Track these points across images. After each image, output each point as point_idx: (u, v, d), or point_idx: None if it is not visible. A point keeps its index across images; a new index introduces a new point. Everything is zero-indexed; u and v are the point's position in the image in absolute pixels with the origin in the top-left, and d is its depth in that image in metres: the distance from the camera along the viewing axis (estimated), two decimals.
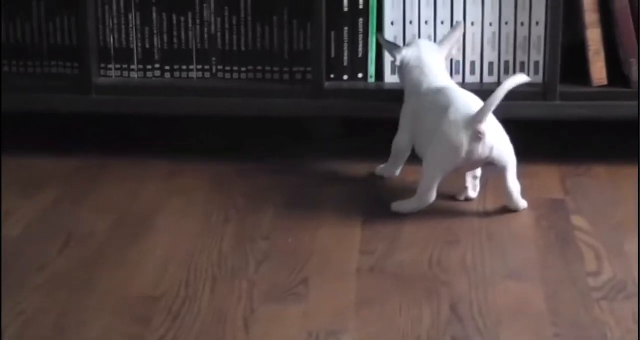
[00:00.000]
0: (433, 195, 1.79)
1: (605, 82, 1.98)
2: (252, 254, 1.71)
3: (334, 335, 1.47)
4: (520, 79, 1.77)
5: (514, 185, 1.80)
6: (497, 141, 1.77)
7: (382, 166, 1.96)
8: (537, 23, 2.00)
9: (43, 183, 1.97)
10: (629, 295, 1.56)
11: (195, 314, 1.53)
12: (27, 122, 2.22)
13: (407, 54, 1.91)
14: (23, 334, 1.48)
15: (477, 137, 1.74)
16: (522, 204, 1.82)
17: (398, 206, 1.82)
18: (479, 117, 1.75)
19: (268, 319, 1.52)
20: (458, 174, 1.83)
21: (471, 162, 1.78)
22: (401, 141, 1.90)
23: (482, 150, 1.75)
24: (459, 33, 1.93)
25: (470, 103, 1.78)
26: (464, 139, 1.75)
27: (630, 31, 1.95)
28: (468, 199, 1.86)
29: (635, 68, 1.96)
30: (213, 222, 1.81)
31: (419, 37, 2.02)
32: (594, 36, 1.98)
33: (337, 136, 2.16)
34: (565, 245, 1.72)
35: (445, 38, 1.93)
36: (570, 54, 2.01)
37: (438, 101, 1.81)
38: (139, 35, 2.06)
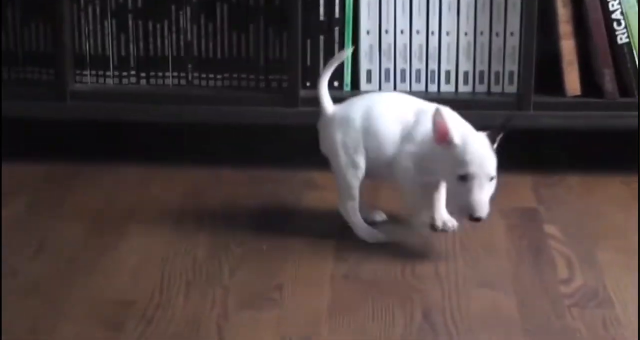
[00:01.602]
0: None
1: (578, 92, 2.00)
2: (226, 260, 1.71)
3: None
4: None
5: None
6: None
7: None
8: (512, 33, 2.01)
9: (16, 189, 1.96)
10: (599, 302, 1.57)
11: (168, 319, 1.53)
12: (1, 128, 2.21)
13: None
14: None
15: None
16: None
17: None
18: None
19: (242, 324, 1.52)
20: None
21: None
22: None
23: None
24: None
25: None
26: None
27: (603, 42, 1.97)
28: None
29: (608, 79, 1.98)
30: (187, 228, 1.82)
31: (394, 46, 2.03)
32: (568, 47, 1.99)
33: (311, 144, 2.17)
34: (537, 253, 1.73)
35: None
36: (544, 65, 2.02)
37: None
38: (115, 42, 2.06)
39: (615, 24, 1.96)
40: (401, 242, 1.76)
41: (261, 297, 1.59)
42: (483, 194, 1.63)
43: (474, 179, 1.63)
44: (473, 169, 1.63)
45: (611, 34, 1.97)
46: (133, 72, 2.07)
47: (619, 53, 1.97)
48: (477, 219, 1.63)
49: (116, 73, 2.07)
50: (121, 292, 1.60)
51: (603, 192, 1.96)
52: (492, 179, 1.65)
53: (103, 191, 1.96)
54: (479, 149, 1.64)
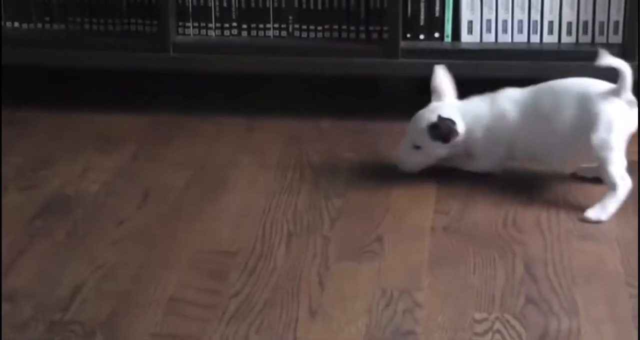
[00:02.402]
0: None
1: None
2: (326, 211, 1.72)
3: (407, 292, 1.48)
4: None
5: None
6: None
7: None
8: None
9: (121, 139, 2.00)
10: None
11: (270, 270, 1.55)
12: (106, 79, 2.25)
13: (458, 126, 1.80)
14: (101, 286, 1.51)
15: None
16: None
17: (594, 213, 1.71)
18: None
19: (342, 275, 1.53)
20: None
21: None
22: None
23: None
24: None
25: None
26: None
27: None
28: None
29: None
30: (288, 179, 1.83)
31: None
32: None
33: (409, 96, 2.16)
34: None
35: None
36: None
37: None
38: None
39: None
40: (501, 195, 1.75)
41: (361, 248, 1.60)
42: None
43: None
44: None
45: None
46: (235, 24, 2.08)
47: None
48: None
49: (218, 25, 2.08)
50: (224, 242, 1.63)
51: None
52: None
53: (206, 141, 1.99)
54: None
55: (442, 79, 1.83)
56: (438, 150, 1.79)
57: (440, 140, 1.78)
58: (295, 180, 1.83)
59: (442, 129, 1.77)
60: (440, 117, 1.76)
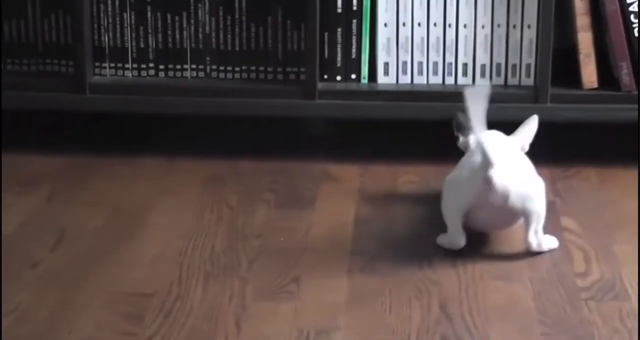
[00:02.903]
0: (461, 239, 1.70)
1: (595, 84, 2.00)
2: (244, 252, 1.72)
3: (324, 332, 1.49)
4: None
5: (532, 239, 1.70)
6: (519, 192, 1.67)
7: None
8: (529, 26, 2.02)
9: (37, 180, 1.98)
10: (616, 295, 1.58)
11: (187, 312, 1.54)
12: (22, 119, 2.23)
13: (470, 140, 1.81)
14: (15, 330, 1.49)
15: (487, 182, 1.64)
16: (549, 245, 1.73)
17: (440, 239, 1.74)
18: (485, 162, 1.65)
19: (259, 316, 1.53)
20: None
21: (485, 208, 1.68)
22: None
23: (495, 198, 1.65)
24: (532, 126, 1.84)
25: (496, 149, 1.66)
26: (472, 185, 1.66)
27: (620, 35, 1.97)
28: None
29: (625, 72, 1.98)
30: (206, 220, 1.83)
31: (412, 39, 2.03)
32: (585, 39, 1.99)
33: (329, 136, 2.18)
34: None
35: (518, 130, 1.83)
36: (561, 57, 2.02)
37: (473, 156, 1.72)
38: (134, 35, 2.08)
39: (632, 17, 1.96)
40: (417, 234, 1.77)
41: (279, 289, 1.61)
42: None
43: None
44: None
45: (628, 27, 1.97)
46: (152, 65, 2.09)
47: (635, 46, 1.97)
48: None
49: (135, 65, 2.08)
50: (140, 284, 1.62)
51: (619, 185, 1.96)
52: None
53: (122, 183, 1.98)
54: None
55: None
56: None
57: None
58: (212, 221, 1.83)
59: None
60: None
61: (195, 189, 1.95)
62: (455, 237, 1.71)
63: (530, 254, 1.71)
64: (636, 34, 1.97)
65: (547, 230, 1.79)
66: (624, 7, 1.96)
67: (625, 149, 2.08)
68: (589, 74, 2.00)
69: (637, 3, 1.96)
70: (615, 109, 1.99)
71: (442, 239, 1.74)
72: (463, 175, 1.71)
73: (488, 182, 1.64)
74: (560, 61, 2.01)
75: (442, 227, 1.75)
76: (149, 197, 1.92)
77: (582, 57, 2.00)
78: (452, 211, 1.71)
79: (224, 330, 1.50)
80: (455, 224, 1.71)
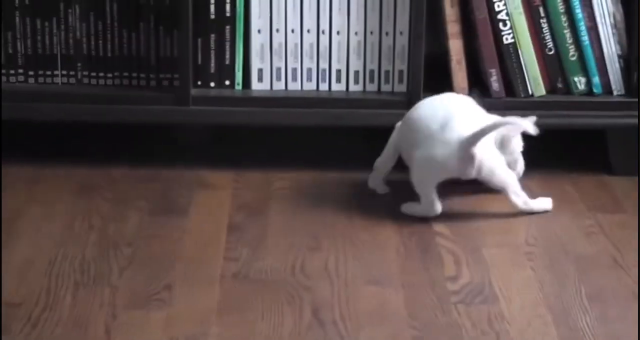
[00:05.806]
0: (437, 206, 1.83)
1: (466, 91, 2.03)
2: (115, 260, 1.70)
3: None
4: (526, 125, 1.83)
5: (515, 199, 1.86)
6: (490, 165, 1.83)
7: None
8: (401, 33, 2.04)
9: None
10: (485, 298, 1.60)
11: (55, 321, 1.52)
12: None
13: None
14: None
15: (469, 158, 1.80)
16: (541, 206, 1.88)
17: (408, 208, 1.85)
18: (471, 139, 1.79)
19: (130, 324, 1.52)
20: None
21: (458, 178, 1.84)
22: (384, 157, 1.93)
23: (472, 172, 1.82)
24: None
25: (468, 124, 1.81)
26: (454, 159, 1.80)
27: (489, 42, 2.01)
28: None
29: (494, 78, 2.01)
30: (76, 229, 1.80)
31: (285, 45, 2.03)
32: (456, 46, 2.02)
33: (203, 143, 2.17)
34: (425, 250, 1.75)
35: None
36: (434, 64, 2.05)
37: (437, 114, 1.84)
38: (2, 40, 2.03)
39: (501, 25, 2.00)
40: (290, 240, 1.77)
41: (150, 297, 1.59)
42: None
43: None
44: None
45: (497, 34, 2.01)
46: (21, 71, 2.05)
47: (504, 53, 2.01)
48: None
49: (4, 71, 2.04)
50: (7, 294, 1.58)
51: (490, 190, 1.99)
52: None
53: None
54: None
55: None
56: None
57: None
58: (83, 229, 1.80)
59: None
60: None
61: (67, 198, 1.92)
62: (432, 206, 1.82)
63: (401, 258, 1.72)
64: (505, 42, 2.00)
65: (419, 234, 1.81)
66: (493, 15, 2.00)
67: None
68: (460, 80, 2.03)
69: (504, 11, 2.00)
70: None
71: (414, 208, 1.84)
72: (438, 151, 1.80)
73: (471, 158, 1.80)
74: (432, 68, 2.04)
75: (320, 232, 1.76)
76: (18, 207, 1.88)
77: (453, 63, 2.02)
78: (427, 185, 1.83)
79: (94, 339, 1.48)
80: (430, 195, 1.83)
